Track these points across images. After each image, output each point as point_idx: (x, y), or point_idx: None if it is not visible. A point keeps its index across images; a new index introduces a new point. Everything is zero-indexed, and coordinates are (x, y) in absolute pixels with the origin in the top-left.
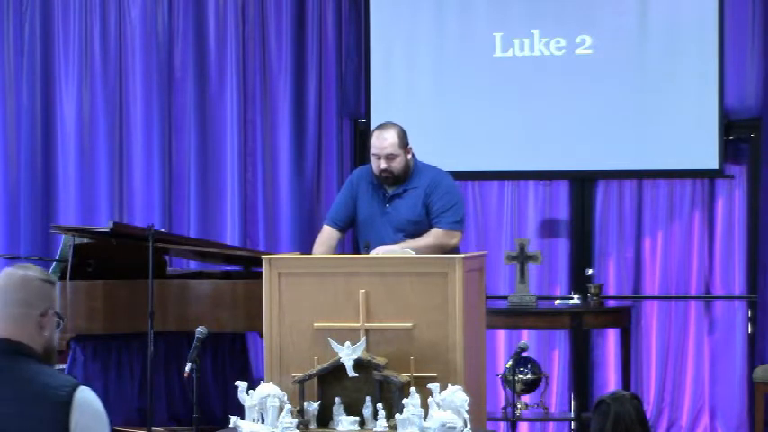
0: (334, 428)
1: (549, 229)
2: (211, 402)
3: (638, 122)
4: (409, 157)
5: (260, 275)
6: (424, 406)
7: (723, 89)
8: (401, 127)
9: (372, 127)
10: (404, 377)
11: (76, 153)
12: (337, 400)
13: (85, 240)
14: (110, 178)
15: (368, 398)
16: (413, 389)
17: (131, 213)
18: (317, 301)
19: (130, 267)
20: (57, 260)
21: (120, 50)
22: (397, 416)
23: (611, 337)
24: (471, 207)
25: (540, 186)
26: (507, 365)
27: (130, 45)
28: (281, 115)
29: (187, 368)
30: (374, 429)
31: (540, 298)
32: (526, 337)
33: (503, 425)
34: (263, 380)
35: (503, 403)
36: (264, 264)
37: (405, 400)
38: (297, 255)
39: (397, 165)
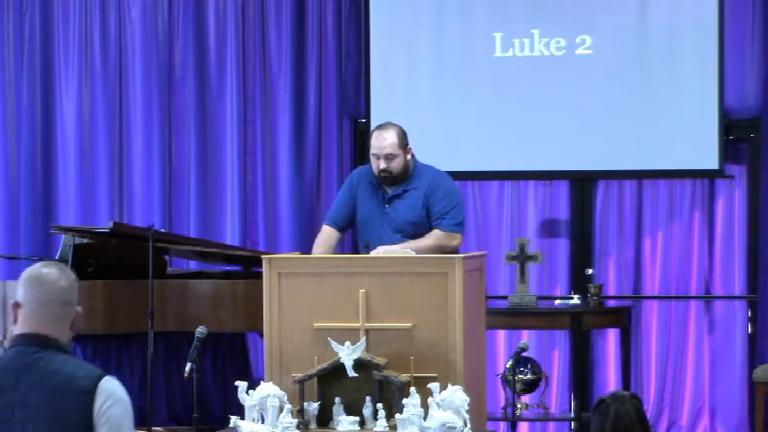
0: (334, 428)
1: (549, 229)
2: (211, 402)
3: (638, 122)
4: (409, 157)
5: (260, 275)
6: (424, 406)
7: (723, 89)
8: (401, 127)
9: (372, 127)
10: (404, 377)
11: (76, 153)
12: (337, 400)
13: (85, 240)
14: (110, 178)
15: (368, 398)
16: (413, 389)
17: (131, 213)
18: (316, 301)
19: (130, 267)
20: (57, 260)
21: (120, 50)
22: (397, 416)
23: (611, 337)
24: (471, 207)
25: (540, 186)
26: (507, 365)
27: (130, 45)
28: (281, 115)
29: (187, 368)
30: (374, 429)
31: (540, 298)
32: (526, 337)
33: (503, 425)
34: (263, 380)
35: (503, 403)
36: (264, 264)
37: (405, 400)
38: (297, 255)
39: (397, 165)
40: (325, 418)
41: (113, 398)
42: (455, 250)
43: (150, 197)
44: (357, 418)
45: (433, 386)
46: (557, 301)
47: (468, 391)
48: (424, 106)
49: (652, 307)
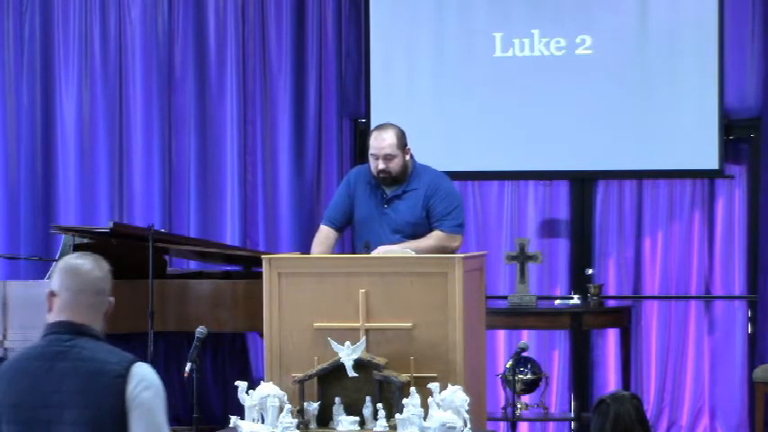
0: (334, 428)
1: (549, 229)
2: (211, 402)
3: (638, 122)
4: (407, 157)
5: (260, 275)
6: (424, 406)
7: (723, 89)
8: (399, 127)
9: (372, 127)
10: (404, 377)
11: (76, 153)
12: (337, 400)
13: (85, 240)
14: (110, 178)
15: (368, 398)
16: (413, 389)
17: (131, 213)
18: (316, 301)
19: (130, 267)
20: (57, 260)
21: (120, 50)
22: (397, 416)
23: (611, 337)
24: (471, 207)
25: (540, 186)
26: (507, 365)
27: (130, 45)
28: (281, 115)
29: (187, 368)
30: (374, 429)
31: (540, 298)
32: (526, 337)
33: (503, 425)
34: (263, 380)
35: (503, 403)
36: (264, 264)
37: (405, 400)
38: (297, 255)
39: (395, 165)
40: (325, 418)
41: (146, 382)
42: (455, 251)
43: (150, 197)
44: (357, 418)
45: (433, 386)
46: (557, 301)
47: (468, 391)
48: (424, 106)
49: (652, 307)
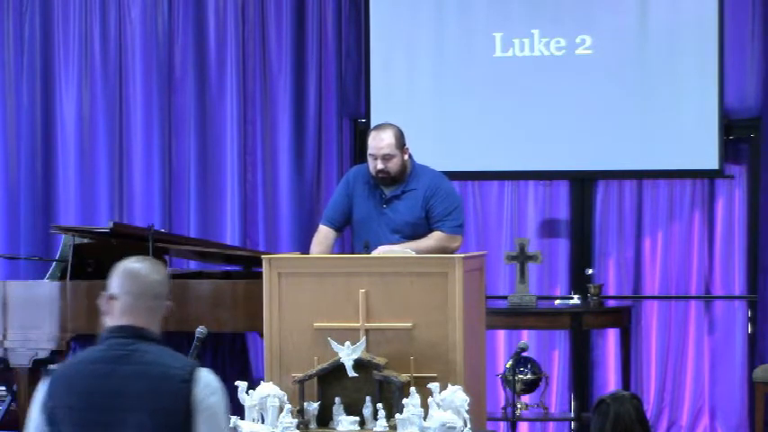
0: (334, 428)
1: (549, 229)
2: None
3: (638, 122)
4: (406, 157)
5: (260, 275)
6: (424, 406)
7: (723, 89)
8: (398, 127)
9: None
10: (404, 377)
11: (76, 153)
12: (337, 400)
13: (85, 240)
14: (110, 178)
15: (368, 398)
16: (413, 389)
17: (131, 213)
18: (317, 301)
19: None
20: (57, 260)
21: (120, 50)
22: (397, 416)
23: (611, 337)
24: (471, 207)
25: (540, 186)
26: (507, 365)
27: (130, 45)
28: (281, 115)
29: None
30: (374, 429)
31: (540, 298)
32: (526, 337)
33: (503, 425)
34: (263, 380)
35: (503, 403)
36: (264, 264)
37: (405, 400)
38: (297, 255)
39: (394, 165)
40: (325, 418)
41: (211, 387)
42: (455, 252)
43: (150, 197)
44: (357, 418)
45: (433, 386)
46: (557, 301)
47: (468, 391)
48: (423, 106)
49: (652, 307)
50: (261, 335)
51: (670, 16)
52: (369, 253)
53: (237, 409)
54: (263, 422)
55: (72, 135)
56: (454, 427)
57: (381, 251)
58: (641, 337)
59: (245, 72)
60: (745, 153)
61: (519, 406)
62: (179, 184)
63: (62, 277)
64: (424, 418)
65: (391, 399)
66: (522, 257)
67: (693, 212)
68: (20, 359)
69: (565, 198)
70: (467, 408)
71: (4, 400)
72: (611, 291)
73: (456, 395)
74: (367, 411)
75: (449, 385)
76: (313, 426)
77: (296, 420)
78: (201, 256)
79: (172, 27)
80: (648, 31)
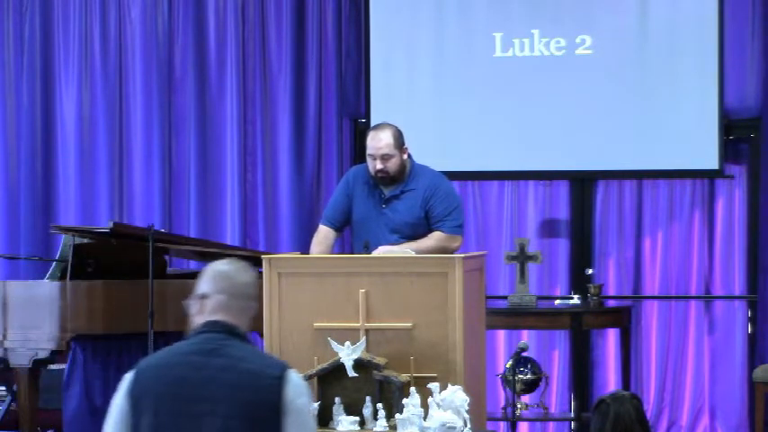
0: (335, 428)
1: (549, 229)
2: None
3: (638, 122)
4: (405, 157)
5: (260, 275)
6: (424, 406)
7: (723, 89)
8: (397, 127)
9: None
10: (404, 377)
11: (76, 153)
12: (337, 400)
13: (85, 240)
14: (110, 178)
15: (368, 398)
16: (413, 389)
17: (131, 213)
18: (317, 301)
19: (130, 267)
20: (57, 260)
21: (120, 50)
22: (397, 416)
23: (611, 337)
24: (471, 207)
25: (540, 186)
26: (507, 365)
27: (130, 45)
28: (281, 115)
29: None
30: (374, 429)
31: (540, 298)
32: (526, 337)
33: (503, 425)
34: None
35: (503, 403)
36: (264, 264)
37: (405, 400)
38: (297, 255)
39: (393, 165)
40: (325, 418)
41: (300, 388)
42: (455, 252)
43: (150, 197)
44: (357, 418)
45: (433, 386)
46: (557, 301)
47: (468, 391)
48: (424, 106)
49: (652, 307)
50: (261, 335)
51: (670, 16)
52: (368, 253)
53: None
54: None
55: (72, 135)
56: (454, 427)
57: (381, 251)
58: (641, 337)
59: (245, 72)
60: (745, 153)
61: (519, 406)
62: (179, 184)
63: (62, 277)
64: (424, 418)
65: (391, 399)
66: (522, 257)
67: (693, 212)
68: (20, 359)
69: (565, 198)
70: (467, 408)
71: (4, 400)
72: (611, 291)
73: (456, 395)
74: (367, 411)
75: (449, 385)
76: None
77: None
78: (201, 256)
79: (172, 27)
80: (648, 31)
